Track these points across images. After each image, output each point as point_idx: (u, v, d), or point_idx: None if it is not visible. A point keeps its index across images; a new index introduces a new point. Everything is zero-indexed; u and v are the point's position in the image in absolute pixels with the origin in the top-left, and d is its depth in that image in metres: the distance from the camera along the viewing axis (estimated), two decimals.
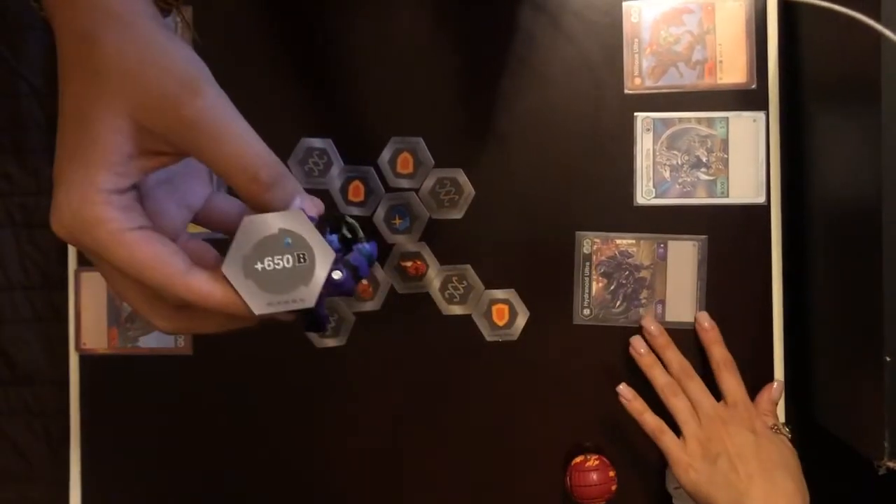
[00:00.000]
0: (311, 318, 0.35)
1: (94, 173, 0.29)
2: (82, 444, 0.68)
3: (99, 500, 0.68)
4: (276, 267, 0.31)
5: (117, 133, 0.29)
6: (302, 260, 0.31)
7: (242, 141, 0.31)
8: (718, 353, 0.62)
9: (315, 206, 0.34)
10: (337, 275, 0.32)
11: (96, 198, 0.29)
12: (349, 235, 0.34)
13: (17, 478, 0.73)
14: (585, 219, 0.65)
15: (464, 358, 0.66)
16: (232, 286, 0.31)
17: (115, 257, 0.30)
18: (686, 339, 0.64)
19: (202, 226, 0.37)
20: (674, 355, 0.62)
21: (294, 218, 0.31)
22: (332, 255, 0.32)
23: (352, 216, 0.54)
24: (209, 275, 0.31)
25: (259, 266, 0.31)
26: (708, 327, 0.63)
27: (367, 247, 0.34)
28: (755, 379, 0.63)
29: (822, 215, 0.62)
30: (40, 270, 0.72)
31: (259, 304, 0.31)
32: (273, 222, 0.31)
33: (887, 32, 0.44)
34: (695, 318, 0.64)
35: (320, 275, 0.31)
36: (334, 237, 0.33)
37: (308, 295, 0.31)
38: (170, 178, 0.35)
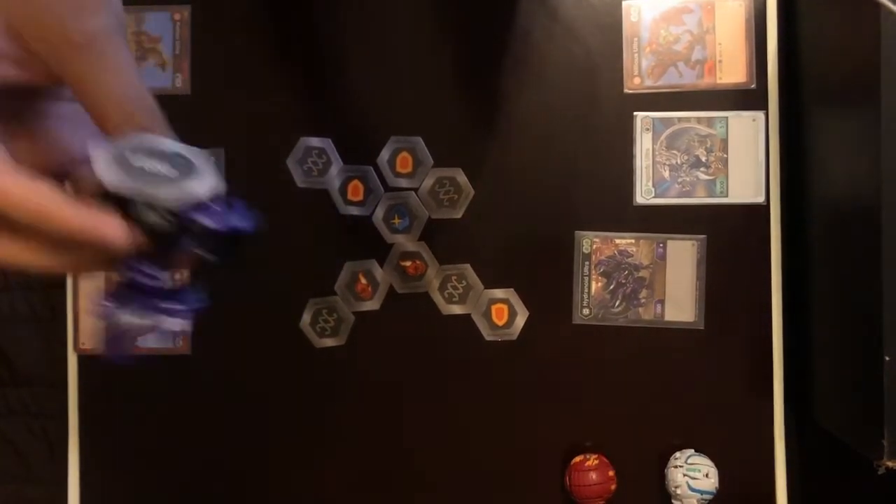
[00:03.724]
0: (116, 347, 0.29)
1: None
2: (81, 445, 0.68)
3: (97, 501, 0.68)
4: (154, 171, 0.27)
5: None
6: (185, 175, 0.27)
7: (128, 76, 0.27)
8: None
9: None
10: (212, 203, 0.28)
11: None
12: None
13: (16, 478, 0.73)
14: (585, 218, 0.65)
15: (463, 357, 0.66)
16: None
17: None
18: (686, 338, 0.64)
19: None
20: None
21: (197, 152, 0.28)
22: (219, 186, 0.28)
23: (351, 216, 0.51)
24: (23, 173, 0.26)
25: (137, 164, 0.27)
26: None
27: (248, 213, 0.30)
28: (755, 379, 0.63)
29: (821, 215, 0.61)
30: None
31: (113, 178, 0.26)
32: (172, 146, 0.28)
33: (888, 3, 0.43)
34: None
35: (196, 189, 0.27)
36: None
37: (172, 195, 0.27)
38: (73, 117, 0.30)
